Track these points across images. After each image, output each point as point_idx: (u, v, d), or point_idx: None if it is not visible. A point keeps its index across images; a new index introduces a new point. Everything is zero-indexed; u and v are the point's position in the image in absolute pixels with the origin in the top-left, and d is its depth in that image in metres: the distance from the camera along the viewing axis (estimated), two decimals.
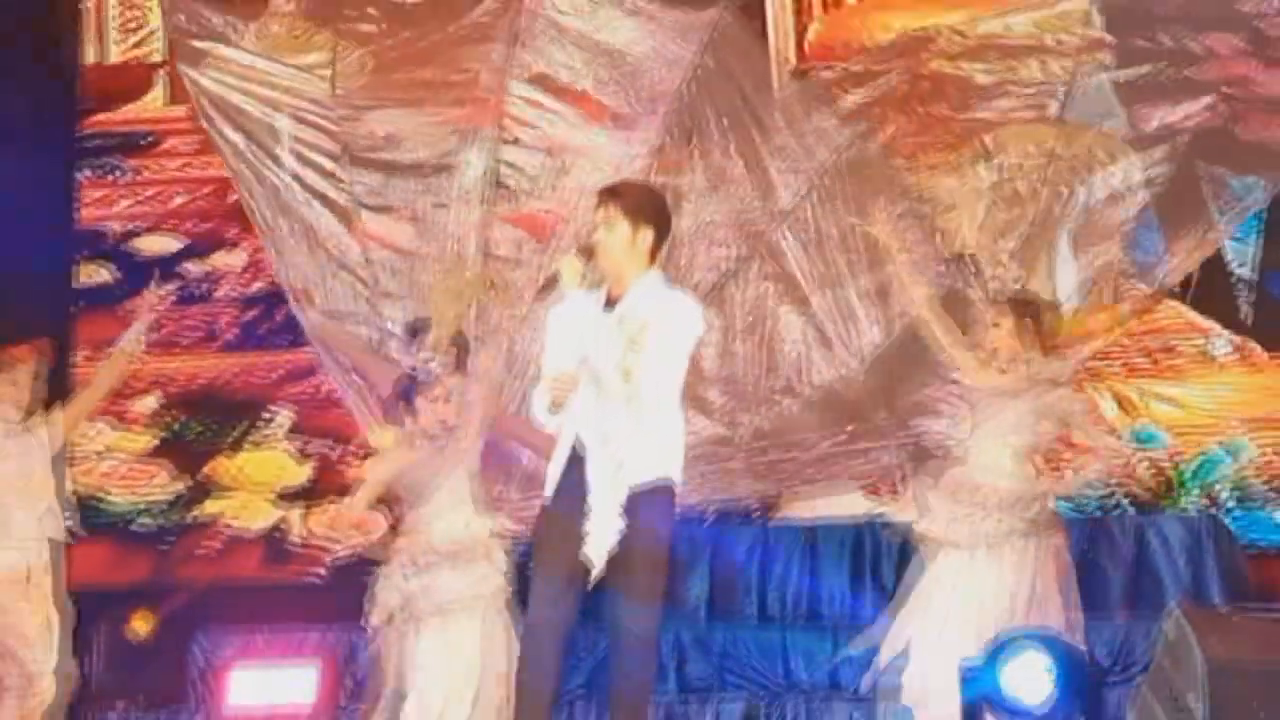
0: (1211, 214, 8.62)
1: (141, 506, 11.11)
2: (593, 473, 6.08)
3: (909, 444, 8.46)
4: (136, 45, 11.64)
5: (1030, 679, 6.48)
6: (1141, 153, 8.63)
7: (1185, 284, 8.96)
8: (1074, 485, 7.57)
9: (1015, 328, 7.34)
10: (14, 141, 10.13)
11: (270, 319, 10.77)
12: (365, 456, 8.73)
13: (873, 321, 8.54)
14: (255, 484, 11.14)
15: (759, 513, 10.10)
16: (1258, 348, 10.41)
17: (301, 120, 8.87)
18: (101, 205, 11.50)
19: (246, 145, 8.77)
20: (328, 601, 9.12)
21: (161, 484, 11.16)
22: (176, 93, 10.97)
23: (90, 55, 11.59)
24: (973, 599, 7.14)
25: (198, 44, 8.82)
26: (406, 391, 7.38)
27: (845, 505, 9.79)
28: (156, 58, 11.27)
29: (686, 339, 6.24)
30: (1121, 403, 10.49)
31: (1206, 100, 8.56)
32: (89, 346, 10.85)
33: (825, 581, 9.63)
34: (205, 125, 8.90)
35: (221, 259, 11.31)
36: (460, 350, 7.60)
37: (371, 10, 8.90)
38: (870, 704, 7.63)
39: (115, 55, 11.69)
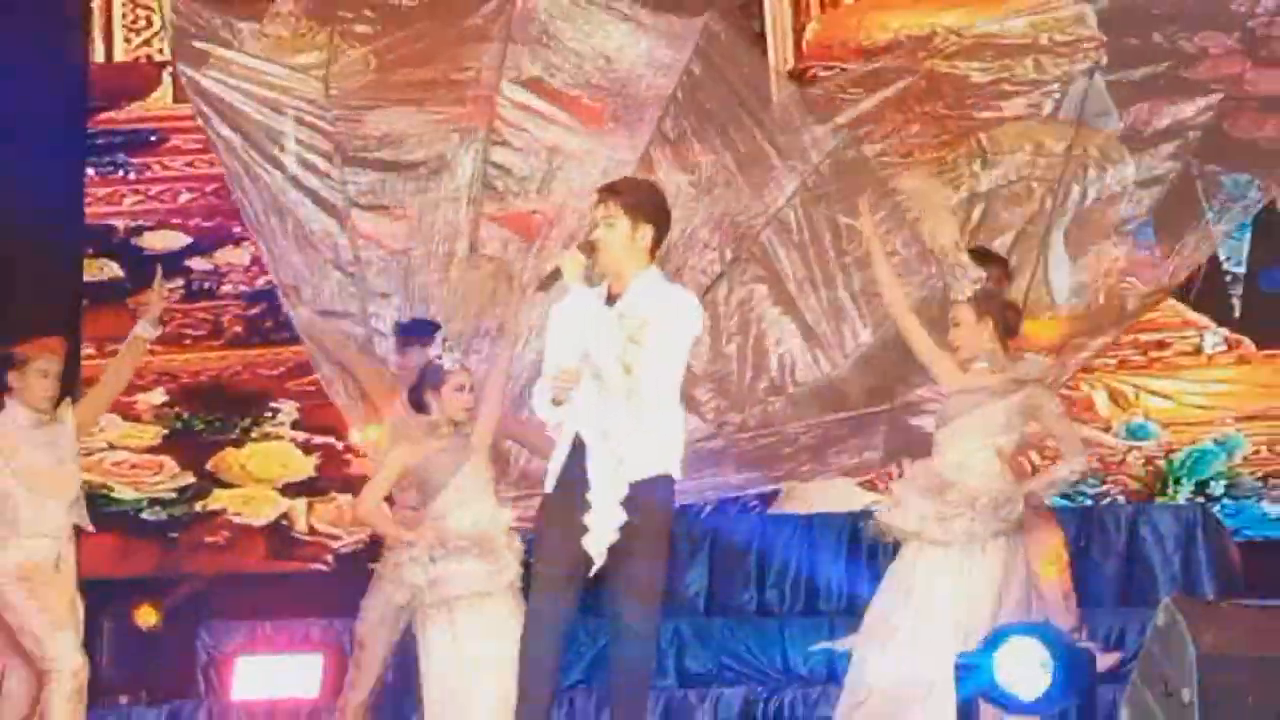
0: (1206, 212, 8.64)
1: (148, 499, 11.20)
2: (593, 467, 6.11)
3: (899, 440, 8.49)
4: (144, 44, 11.71)
5: (1026, 671, 6.47)
6: (1145, 151, 8.64)
7: (1188, 283, 8.99)
8: (1042, 485, 7.41)
9: (975, 325, 7.24)
10: (24, 138, 10.22)
11: (275, 314, 10.74)
12: (368, 450, 8.83)
13: (864, 321, 8.56)
14: (260, 477, 11.22)
15: (757, 505, 10.17)
16: (1249, 343, 10.50)
17: (297, 120, 8.90)
18: (108, 202, 11.60)
19: (243, 145, 8.78)
20: (333, 592, 9.16)
21: (167, 477, 11.24)
22: (183, 91, 11.01)
23: (98, 53, 11.69)
24: (946, 597, 7.06)
25: (199, 45, 8.85)
26: (432, 379, 7.43)
27: (843, 497, 9.84)
28: (163, 56, 11.32)
29: (686, 335, 6.29)
30: (1115, 397, 10.56)
31: (1208, 100, 8.58)
32: (95, 341, 10.95)
33: (823, 573, 9.66)
34: (201, 123, 8.93)
35: (227, 255, 11.37)
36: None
37: (368, 12, 8.92)
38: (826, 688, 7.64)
39: (122, 54, 11.78)
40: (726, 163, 8.67)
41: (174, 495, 11.21)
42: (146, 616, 9.90)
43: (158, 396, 11.25)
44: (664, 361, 6.19)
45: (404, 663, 8.25)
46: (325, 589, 9.81)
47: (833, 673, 8.81)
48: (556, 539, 6.19)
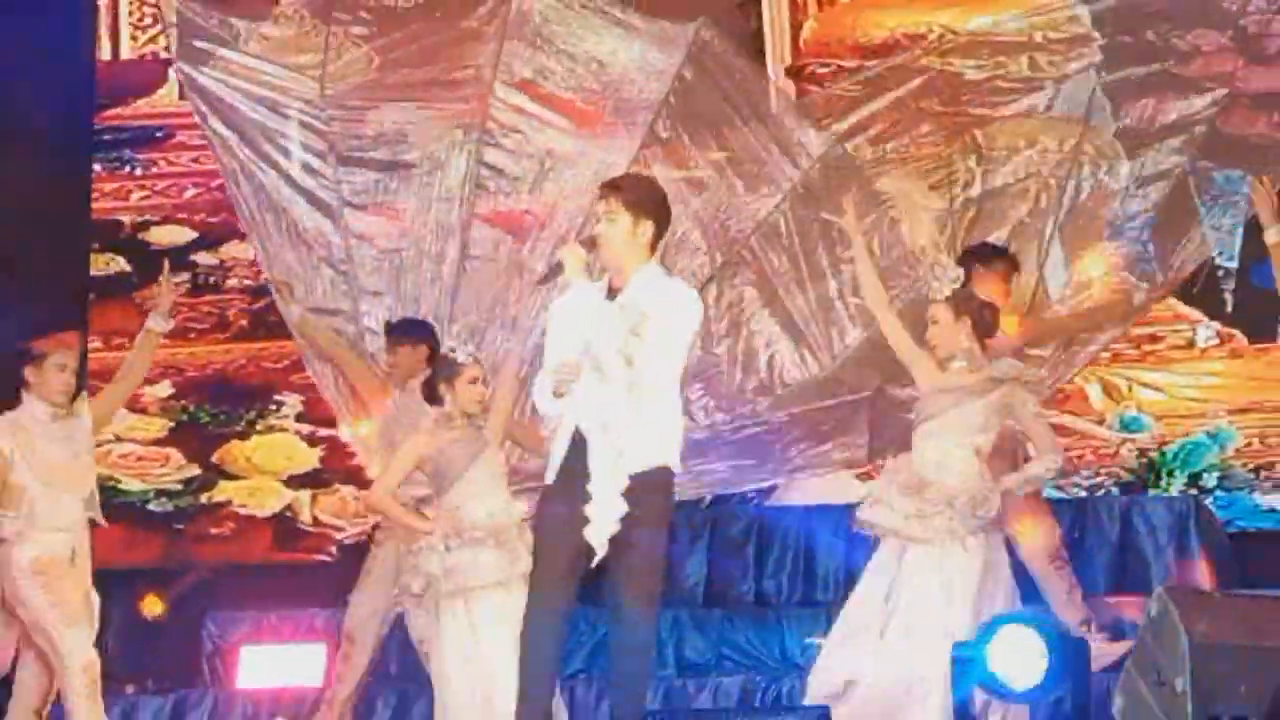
0: (1199, 208, 8.68)
1: (154, 491, 11.26)
2: (594, 459, 6.15)
3: (886, 435, 8.53)
4: (150, 41, 11.76)
5: (1022, 660, 6.46)
6: (1150, 147, 8.67)
7: (1191, 278, 9.03)
8: (1018, 483, 7.42)
9: (953, 324, 7.28)
10: (31, 134, 10.28)
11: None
12: (356, 446, 8.90)
13: (853, 322, 8.59)
14: (265, 469, 11.29)
15: (755, 496, 10.22)
16: (1241, 336, 10.56)
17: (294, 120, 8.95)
18: (115, 197, 11.66)
19: (239, 143, 8.82)
20: (336, 583, 9.21)
21: (173, 469, 11.30)
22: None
23: (105, 51, 11.75)
24: (927, 594, 7.11)
25: (200, 44, 8.90)
26: (447, 372, 7.50)
27: (841, 488, 9.88)
28: (170, 54, 11.32)
29: (686, 329, 6.34)
30: (1108, 389, 10.59)
31: (1214, 94, 8.62)
32: (103, 335, 11.02)
33: (822, 563, 9.68)
34: (199, 121, 8.98)
35: (232, 250, 11.40)
36: None
37: (364, 13, 8.96)
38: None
39: (129, 51, 11.84)
40: (718, 167, 8.74)
41: (180, 487, 11.26)
42: (152, 606, 9.97)
43: (164, 389, 11.28)
44: (664, 355, 6.23)
45: (405, 662, 8.36)
46: (329, 579, 9.82)
47: None
48: (557, 530, 6.24)
